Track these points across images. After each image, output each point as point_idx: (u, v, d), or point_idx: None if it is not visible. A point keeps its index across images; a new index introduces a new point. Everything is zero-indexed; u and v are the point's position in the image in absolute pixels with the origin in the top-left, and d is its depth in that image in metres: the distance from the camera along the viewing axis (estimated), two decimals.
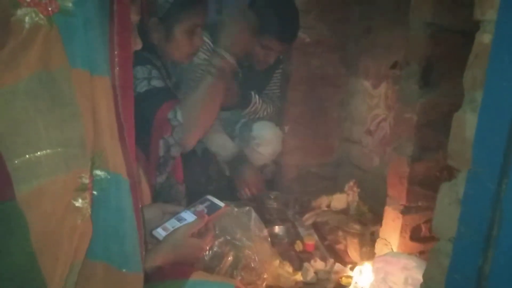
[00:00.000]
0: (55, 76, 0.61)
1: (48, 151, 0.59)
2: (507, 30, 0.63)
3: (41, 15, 0.60)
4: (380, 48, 1.79)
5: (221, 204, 1.09)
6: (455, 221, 0.73)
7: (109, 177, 0.67)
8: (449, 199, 0.77)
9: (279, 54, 1.76)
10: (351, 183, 1.73)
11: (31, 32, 0.59)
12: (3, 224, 0.58)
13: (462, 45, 1.17)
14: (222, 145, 1.80)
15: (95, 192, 0.66)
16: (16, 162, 0.57)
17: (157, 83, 1.29)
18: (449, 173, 1.30)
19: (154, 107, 1.27)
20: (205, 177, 1.95)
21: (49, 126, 0.60)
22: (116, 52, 0.68)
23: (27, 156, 0.58)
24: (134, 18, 0.83)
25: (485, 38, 0.71)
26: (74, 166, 0.62)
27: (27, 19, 0.60)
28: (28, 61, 0.59)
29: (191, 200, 1.55)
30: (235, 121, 1.95)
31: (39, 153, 0.59)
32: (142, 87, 1.27)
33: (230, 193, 1.87)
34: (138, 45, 0.88)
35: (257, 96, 1.83)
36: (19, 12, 0.60)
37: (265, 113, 1.88)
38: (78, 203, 0.62)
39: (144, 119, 1.27)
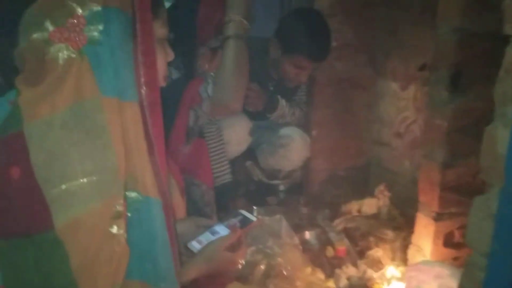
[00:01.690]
0: (87, 107, 0.64)
1: (83, 180, 0.62)
2: None
3: (71, 49, 0.64)
4: (407, 50, 1.77)
5: (254, 218, 1.12)
6: (488, 235, 0.73)
7: (141, 198, 0.70)
8: (482, 213, 0.76)
9: (311, 71, 1.74)
10: (381, 187, 1.72)
11: (65, 66, 0.63)
12: (45, 254, 0.61)
13: (492, 49, 1.16)
14: (238, 134, 1.74)
15: (129, 214, 0.68)
16: (53, 192, 0.61)
17: (176, 74, 1.44)
18: (481, 179, 1.28)
19: (184, 83, 1.38)
20: (233, 182, 1.98)
21: (83, 157, 0.63)
22: (142, 72, 0.70)
23: (63, 187, 0.61)
24: (161, 31, 0.84)
25: None
26: (108, 195, 0.64)
27: (60, 55, 0.63)
28: (63, 94, 0.63)
29: (220, 207, 1.60)
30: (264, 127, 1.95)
31: (74, 182, 0.62)
32: (174, 74, 1.38)
33: (259, 198, 1.90)
34: (169, 56, 0.90)
35: (283, 100, 1.85)
36: (52, 49, 0.63)
37: (292, 117, 1.89)
38: (114, 230, 0.65)
39: (175, 94, 1.36)
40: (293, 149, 1.83)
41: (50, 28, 0.64)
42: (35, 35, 0.64)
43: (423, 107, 1.69)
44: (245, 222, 1.13)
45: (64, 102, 0.63)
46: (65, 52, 0.64)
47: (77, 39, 0.65)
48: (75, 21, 0.65)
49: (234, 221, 1.13)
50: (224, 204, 1.69)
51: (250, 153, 1.89)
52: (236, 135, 1.70)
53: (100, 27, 0.65)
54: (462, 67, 1.18)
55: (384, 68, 1.92)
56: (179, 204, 1.31)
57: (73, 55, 0.64)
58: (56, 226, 0.61)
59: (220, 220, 1.16)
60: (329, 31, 1.70)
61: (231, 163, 1.86)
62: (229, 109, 1.40)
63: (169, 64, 1.33)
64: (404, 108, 1.80)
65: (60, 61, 0.64)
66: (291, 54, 1.66)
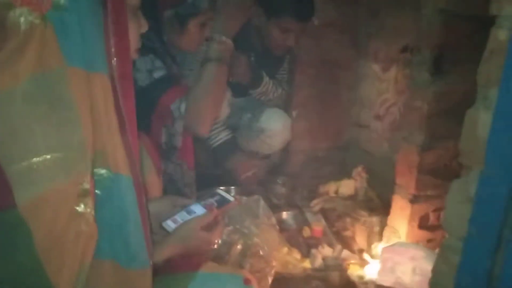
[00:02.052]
0: (51, 78, 0.59)
1: (47, 156, 0.58)
2: None
3: (35, 14, 0.58)
4: (389, 31, 1.75)
5: (231, 198, 1.10)
6: (465, 219, 0.72)
7: (111, 175, 0.66)
8: (460, 197, 0.76)
9: (298, 34, 1.67)
10: (359, 169, 1.72)
11: (27, 33, 0.57)
12: (6, 233, 0.57)
13: (475, 31, 1.15)
14: None
15: (98, 191, 0.65)
16: (13, 168, 0.56)
17: (159, 73, 1.29)
18: (459, 162, 1.29)
19: (157, 95, 1.27)
20: (211, 162, 1.95)
21: (47, 132, 0.58)
22: (112, 42, 0.65)
23: (24, 162, 0.57)
24: (134, 0, 0.80)
25: (501, 34, 0.69)
26: (75, 172, 0.61)
27: (22, 19, 0.57)
28: (25, 64, 0.58)
29: (199, 187, 1.58)
30: (244, 108, 1.92)
31: (36, 159, 0.57)
32: (144, 80, 1.27)
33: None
34: (143, 27, 0.85)
35: (267, 77, 1.82)
36: (13, 13, 0.57)
37: (275, 94, 1.85)
38: (81, 208, 0.62)
39: (147, 107, 1.28)
40: (274, 135, 1.80)
41: None
42: None
43: (403, 89, 1.68)
44: (222, 202, 1.11)
45: (26, 72, 0.57)
46: (27, 17, 0.57)
47: (41, 3, 0.58)
48: None
49: (211, 200, 1.11)
50: (224, 162, 1.75)
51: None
52: None
53: None
54: (445, 49, 1.16)
55: (366, 49, 1.91)
56: (155, 184, 1.28)
57: (36, 21, 0.58)
58: (18, 204, 0.57)
59: (197, 199, 1.14)
60: None
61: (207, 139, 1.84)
62: (196, 134, 1.34)
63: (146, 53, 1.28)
64: (384, 90, 1.79)
65: (22, 27, 0.58)
66: (276, 17, 1.60)
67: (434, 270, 0.83)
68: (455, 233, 0.76)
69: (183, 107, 1.26)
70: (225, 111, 1.72)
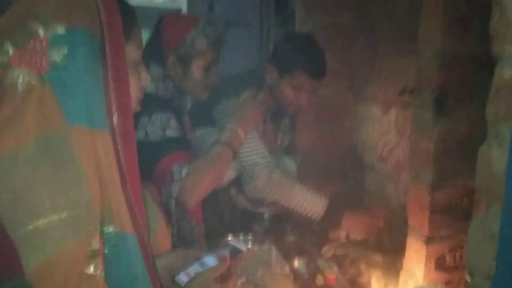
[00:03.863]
0: (54, 139, 0.59)
1: (53, 217, 0.57)
2: None
3: (33, 75, 0.58)
4: (386, 75, 1.81)
5: (244, 248, 1.08)
6: (490, 257, 0.71)
7: (118, 233, 0.65)
8: (481, 235, 0.75)
9: (310, 93, 1.67)
10: (369, 208, 1.71)
11: (25, 93, 0.58)
12: None
13: (474, 70, 1.19)
14: None
15: (106, 251, 0.63)
16: (20, 233, 0.55)
17: (171, 132, 1.32)
18: (470, 200, 1.28)
19: (160, 156, 1.29)
20: (217, 212, 1.93)
21: (53, 192, 0.57)
22: (112, 99, 0.66)
23: (31, 226, 0.56)
24: (135, 54, 0.80)
25: (505, 73, 0.71)
26: (83, 232, 0.59)
27: (19, 81, 0.58)
28: (26, 127, 0.57)
29: (206, 238, 1.55)
30: None
31: (43, 221, 0.56)
32: (156, 136, 1.29)
33: (244, 226, 1.85)
34: (145, 80, 0.85)
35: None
36: (11, 74, 0.58)
37: (283, 145, 1.88)
38: (91, 271, 0.60)
39: (152, 163, 1.29)
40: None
41: (10, 51, 0.59)
42: None
43: (404, 130, 1.71)
44: (234, 252, 1.09)
45: (27, 136, 0.57)
46: (25, 78, 0.58)
47: (39, 64, 0.59)
48: (37, 44, 0.59)
49: (224, 252, 1.09)
50: None
51: (235, 181, 1.85)
52: None
53: (65, 51, 0.60)
54: (446, 90, 1.19)
55: (365, 93, 1.95)
56: (164, 234, 1.26)
57: (34, 82, 0.58)
58: (26, 271, 0.55)
59: (209, 251, 1.11)
60: (323, 50, 1.69)
61: (216, 191, 1.83)
62: (181, 205, 1.33)
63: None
64: (386, 132, 1.82)
65: (20, 88, 0.58)
66: (289, 74, 1.62)
67: None
68: (480, 272, 0.75)
69: (184, 172, 1.28)
70: (232, 173, 1.74)
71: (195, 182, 1.29)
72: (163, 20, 1.43)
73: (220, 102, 1.65)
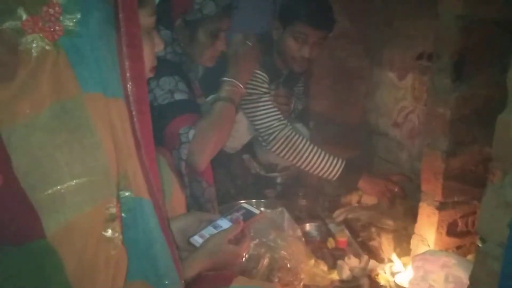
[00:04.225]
0: (69, 106, 0.59)
1: (71, 183, 0.58)
2: None
3: (47, 40, 0.58)
4: (404, 39, 1.76)
5: (257, 211, 1.10)
6: (503, 224, 0.72)
7: (134, 198, 0.66)
8: (496, 202, 0.76)
9: (313, 47, 1.63)
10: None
11: (39, 60, 0.58)
12: (37, 263, 0.57)
13: (495, 35, 1.16)
14: (239, 129, 1.71)
15: (123, 215, 0.65)
16: (39, 197, 0.56)
17: (180, 95, 1.31)
18: (484, 167, 1.28)
19: (168, 119, 1.29)
20: (230, 177, 1.96)
21: (70, 159, 0.58)
22: (127, 66, 0.65)
23: (49, 191, 0.57)
24: (149, 20, 0.79)
25: None
26: (100, 197, 0.60)
27: (33, 46, 0.57)
28: (41, 93, 0.58)
29: (220, 202, 1.59)
30: None
31: (61, 186, 0.57)
32: (165, 99, 1.29)
33: (257, 191, 1.89)
34: (158, 46, 0.85)
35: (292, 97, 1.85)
36: (25, 40, 0.57)
37: (296, 110, 1.88)
38: (109, 234, 0.61)
39: (161, 126, 1.30)
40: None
41: (24, 16, 0.57)
42: (6, 24, 0.57)
43: (421, 96, 1.68)
44: (247, 215, 1.11)
45: (43, 102, 0.57)
46: (39, 43, 0.58)
47: (52, 29, 0.58)
48: (50, 9, 0.58)
49: (237, 214, 1.12)
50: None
51: (247, 147, 1.87)
52: (237, 130, 1.69)
53: (78, 16, 0.59)
54: (465, 55, 1.16)
55: (380, 58, 1.91)
56: (179, 197, 1.29)
57: (48, 47, 0.58)
58: (47, 233, 0.56)
59: (223, 214, 1.14)
60: (330, 4, 1.66)
61: (229, 156, 1.85)
62: (193, 167, 1.33)
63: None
64: (402, 97, 1.79)
65: (34, 53, 0.57)
66: (291, 25, 1.61)
67: (472, 278, 0.82)
68: (493, 239, 0.75)
69: (191, 134, 1.28)
70: (245, 137, 1.74)
71: (203, 142, 1.29)
72: None
73: None
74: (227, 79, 1.36)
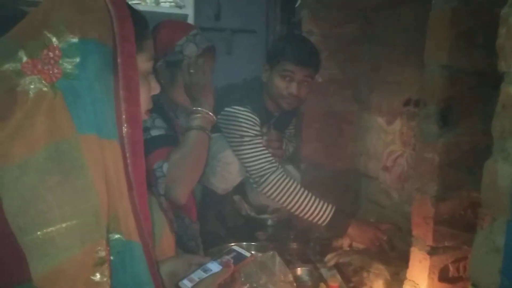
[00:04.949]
0: (64, 147, 0.60)
1: (62, 225, 0.58)
2: None
3: (44, 82, 0.60)
4: (391, 85, 1.82)
5: (247, 254, 1.09)
6: (494, 270, 0.72)
7: (124, 241, 0.66)
8: (486, 247, 0.76)
9: (301, 84, 1.68)
10: (371, 221, 1.71)
11: (36, 101, 0.59)
12: None
13: (478, 84, 1.21)
14: (231, 171, 1.73)
15: (112, 257, 0.64)
16: (28, 240, 0.56)
17: (156, 131, 1.31)
18: (474, 212, 1.29)
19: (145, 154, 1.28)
20: (220, 218, 1.94)
21: (61, 200, 0.58)
22: (123, 109, 0.67)
23: (39, 233, 0.57)
24: (146, 65, 0.81)
25: (511, 89, 0.72)
26: (90, 240, 0.60)
27: (31, 87, 0.59)
28: (35, 134, 0.58)
29: (210, 244, 1.56)
30: None
31: (51, 228, 0.57)
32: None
33: (247, 233, 1.86)
34: (154, 89, 0.87)
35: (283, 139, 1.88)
36: (23, 81, 0.59)
37: (287, 153, 1.90)
38: (97, 278, 0.61)
39: None
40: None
41: (24, 58, 0.60)
42: (6, 65, 0.60)
43: (409, 141, 1.72)
44: (238, 258, 1.10)
45: (38, 143, 0.58)
46: (37, 85, 0.59)
47: (51, 72, 0.60)
48: (50, 53, 0.61)
49: (227, 257, 1.10)
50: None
51: (238, 188, 1.87)
52: (229, 171, 1.70)
53: (77, 60, 0.61)
54: (451, 103, 1.21)
55: (369, 103, 1.97)
56: (169, 239, 1.27)
57: (45, 89, 0.60)
58: (34, 277, 0.56)
59: (213, 257, 1.12)
60: (310, 41, 1.75)
61: (219, 198, 1.84)
62: (173, 200, 1.30)
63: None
64: (390, 142, 1.83)
65: (31, 94, 0.59)
66: (277, 64, 1.67)
67: None
68: (484, 285, 0.76)
69: (165, 167, 1.26)
70: (236, 179, 1.75)
71: (178, 174, 1.26)
72: (159, 25, 1.44)
73: (223, 110, 1.67)
74: (195, 108, 1.34)
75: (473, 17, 1.13)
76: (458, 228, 1.26)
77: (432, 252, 1.24)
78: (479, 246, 0.78)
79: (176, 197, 1.28)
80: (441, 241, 1.24)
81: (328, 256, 1.60)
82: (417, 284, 1.28)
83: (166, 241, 1.22)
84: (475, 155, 1.22)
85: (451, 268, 1.27)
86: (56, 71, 0.61)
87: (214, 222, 1.89)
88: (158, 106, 1.39)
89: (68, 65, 0.62)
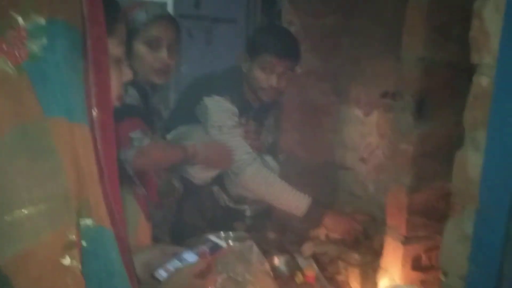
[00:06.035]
0: (30, 129, 0.58)
1: (31, 209, 0.56)
2: (508, 74, 0.66)
3: (9, 64, 0.58)
4: (369, 77, 1.84)
5: (224, 244, 1.09)
6: (464, 257, 0.74)
7: (94, 226, 0.65)
8: (456, 236, 0.78)
9: (281, 76, 1.67)
10: (347, 212, 1.73)
11: (0, 82, 0.57)
12: None
13: (453, 77, 1.23)
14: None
15: (84, 243, 0.63)
16: None
17: (128, 100, 1.32)
18: (446, 202, 1.32)
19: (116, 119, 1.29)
20: (198, 209, 1.93)
21: (30, 184, 0.57)
22: (93, 92, 0.65)
23: (7, 217, 0.55)
24: (117, 50, 0.79)
25: (483, 81, 0.74)
26: (60, 223, 0.59)
27: None
28: (2, 116, 0.57)
29: (188, 235, 1.56)
30: None
31: (20, 212, 0.56)
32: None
33: (225, 223, 1.86)
34: (126, 76, 0.86)
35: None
36: None
37: (266, 144, 1.90)
38: (67, 261, 0.59)
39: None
40: None
41: None
42: None
43: (386, 133, 1.74)
44: (214, 248, 1.10)
45: (3, 125, 0.57)
46: (1, 66, 0.57)
47: (17, 53, 0.58)
48: (16, 33, 0.58)
49: (203, 247, 1.10)
50: None
51: (217, 179, 1.86)
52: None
53: (44, 42, 0.59)
54: (426, 95, 1.23)
55: (347, 95, 1.98)
56: (145, 228, 1.26)
57: (10, 71, 0.58)
58: (1, 261, 0.55)
59: (188, 246, 1.12)
60: (296, 38, 1.74)
61: (198, 188, 1.83)
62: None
63: None
64: (368, 133, 1.85)
65: None
66: (257, 56, 1.66)
67: None
68: (454, 272, 0.78)
69: (146, 141, 1.30)
70: (212, 172, 1.75)
71: (150, 151, 1.34)
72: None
73: (202, 99, 1.66)
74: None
75: (449, 11, 1.15)
76: (431, 218, 1.29)
77: (406, 241, 1.27)
78: (449, 235, 0.80)
79: (133, 160, 1.31)
80: (414, 231, 1.27)
81: (305, 246, 1.61)
82: (391, 273, 1.31)
83: (141, 230, 1.21)
84: (450, 147, 1.24)
85: (423, 257, 1.31)
86: (22, 52, 0.59)
87: (193, 212, 1.88)
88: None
89: (35, 46, 0.60)
